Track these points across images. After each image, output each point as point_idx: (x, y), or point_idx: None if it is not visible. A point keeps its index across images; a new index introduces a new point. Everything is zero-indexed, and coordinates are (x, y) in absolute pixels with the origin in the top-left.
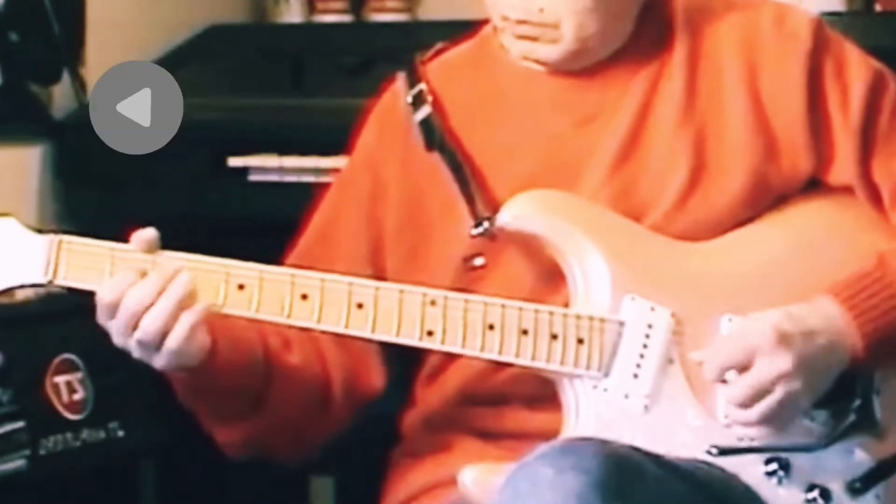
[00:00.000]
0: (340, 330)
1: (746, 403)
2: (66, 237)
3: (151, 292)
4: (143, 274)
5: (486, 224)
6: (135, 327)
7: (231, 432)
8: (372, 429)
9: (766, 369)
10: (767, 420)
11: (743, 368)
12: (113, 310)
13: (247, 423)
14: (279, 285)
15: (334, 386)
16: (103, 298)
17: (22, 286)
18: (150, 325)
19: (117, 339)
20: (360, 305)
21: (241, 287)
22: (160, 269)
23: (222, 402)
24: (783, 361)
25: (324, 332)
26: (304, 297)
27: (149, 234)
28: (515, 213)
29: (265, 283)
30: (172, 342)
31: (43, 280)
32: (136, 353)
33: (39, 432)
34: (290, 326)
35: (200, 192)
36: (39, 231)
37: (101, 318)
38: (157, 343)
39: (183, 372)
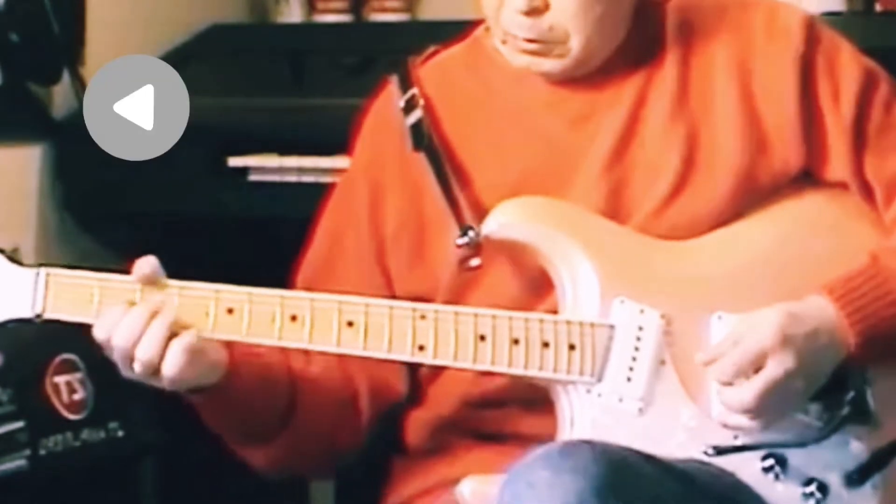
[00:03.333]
0: (332, 349)
1: (757, 406)
2: (52, 269)
3: (139, 324)
4: (132, 304)
5: (471, 233)
6: (132, 359)
7: (264, 453)
8: (372, 429)
9: (775, 370)
10: (765, 413)
11: (753, 371)
12: (108, 346)
13: (278, 441)
14: (268, 307)
15: (360, 393)
16: (98, 337)
17: (9, 322)
18: (143, 356)
19: (122, 371)
20: (350, 323)
21: (230, 311)
22: (146, 300)
23: (250, 420)
24: (789, 360)
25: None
26: (294, 318)
27: (149, 264)
28: (500, 222)
29: (254, 305)
30: (168, 370)
31: (30, 314)
32: (145, 381)
33: (39, 432)
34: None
35: (200, 192)
36: (37, 259)
37: (106, 352)
38: (155, 371)
39: (200, 393)
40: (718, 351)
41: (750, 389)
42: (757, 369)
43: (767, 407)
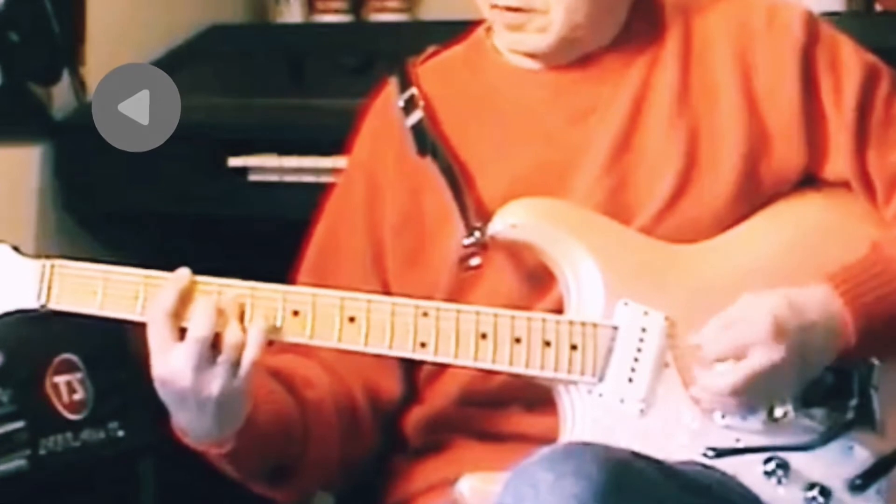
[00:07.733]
0: (333, 344)
1: (734, 394)
2: (57, 261)
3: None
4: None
5: (477, 234)
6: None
7: (289, 488)
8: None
9: (759, 362)
10: (743, 401)
11: (736, 358)
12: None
13: (301, 473)
14: (270, 302)
15: (359, 403)
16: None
17: (15, 312)
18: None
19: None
20: (352, 319)
21: None
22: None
23: (273, 457)
24: (777, 353)
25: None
26: (296, 313)
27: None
28: (507, 223)
29: (256, 300)
30: (251, 352)
31: (36, 305)
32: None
33: (39, 432)
34: (287, 343)
35: (200, 192)
36: (37, 256)
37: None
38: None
39: (228, 443)
40: (708, 333)
41: (729, 378)
42: (741, 356)
43: (746, 396)
